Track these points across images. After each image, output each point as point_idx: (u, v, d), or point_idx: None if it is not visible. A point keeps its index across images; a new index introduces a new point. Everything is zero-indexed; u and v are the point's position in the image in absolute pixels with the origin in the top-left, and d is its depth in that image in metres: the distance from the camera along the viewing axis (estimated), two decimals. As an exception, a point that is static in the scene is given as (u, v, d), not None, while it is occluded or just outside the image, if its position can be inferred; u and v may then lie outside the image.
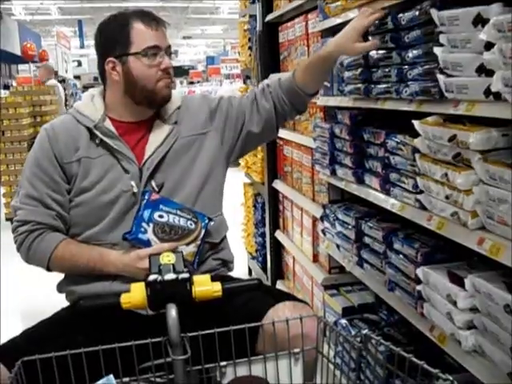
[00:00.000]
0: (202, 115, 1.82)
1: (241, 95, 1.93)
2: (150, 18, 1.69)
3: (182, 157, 1.73)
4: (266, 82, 1.92)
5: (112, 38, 1.70)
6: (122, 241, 1.63)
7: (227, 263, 1.81)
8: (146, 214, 1.63)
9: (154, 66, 1.67)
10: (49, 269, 1.70)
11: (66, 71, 12.71)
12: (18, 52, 13.13)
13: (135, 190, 1.66)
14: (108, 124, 1.72)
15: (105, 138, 1.68)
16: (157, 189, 1.67)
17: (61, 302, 1.70)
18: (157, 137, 1.73)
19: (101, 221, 1.67)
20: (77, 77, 16.75)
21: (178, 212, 1.65)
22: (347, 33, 1.79)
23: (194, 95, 1.95)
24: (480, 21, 1.33)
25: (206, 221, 1.67)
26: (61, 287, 1.73)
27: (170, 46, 1.72)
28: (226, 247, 1.82)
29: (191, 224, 1.64)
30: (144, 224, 1.62)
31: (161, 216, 1.63)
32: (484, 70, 1.34)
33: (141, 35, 1.67)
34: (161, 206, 1.64)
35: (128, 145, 1.70)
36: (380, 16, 1.79)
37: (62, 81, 11.79)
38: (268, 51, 3.47)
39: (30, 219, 1.68)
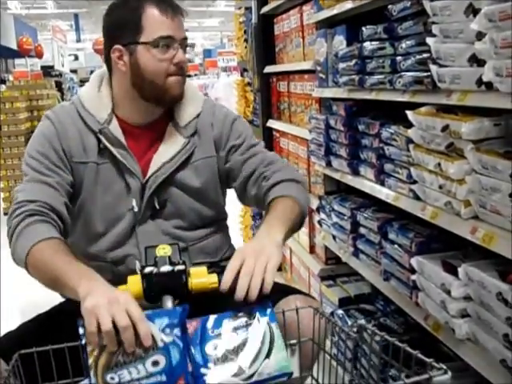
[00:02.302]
0: (216, 136, 1.61)
1: (246, 156, 1.62)
2: (166, 4, 1.49)
3: (188, 177, 1.58)
4: (268, 176, 1.58)
5: (121, 22, 1.51)
6: (125, 258, 1.55)
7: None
8: (198, 356, 1.14)
9: (165, 59, 1.48)
10: (27, 268, 1.37)
11: (63, 65, 12.67)
12: (14, 46, 13.06)
13: (136, 209, 1.54)
14: (114, 127, 1.55)
15: (109, 146, 1.53)
16: (158, 207, 1.55)
17: (59, 297, 1.71)
18: (168, 149, 1.55)
19: (102, 238, 1.57)
20: (73, 71, 16.71)
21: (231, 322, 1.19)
22: None
23: (217, 105, 1.68)
24: (472, 11, 1.33)
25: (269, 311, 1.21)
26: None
27: (186, 38, 1.52)
28: (228, 257, 1.66)
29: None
30: (203, 369, 1.13)
31: (215, 346, 1.16)
32: (476, 60, 1.35)
33: (153, 22, 1.47)
34: (208, 334, 1.17)
35: (134, 153, 1.54)
36: None
37: (59, 75, 11.78)
38: (263, 43, 3.47)
39: (34, 198, 1.43)
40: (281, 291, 1.54)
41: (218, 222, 1.68)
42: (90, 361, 1.10)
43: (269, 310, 1.20)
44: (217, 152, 1.62)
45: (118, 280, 1.49)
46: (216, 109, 1.66)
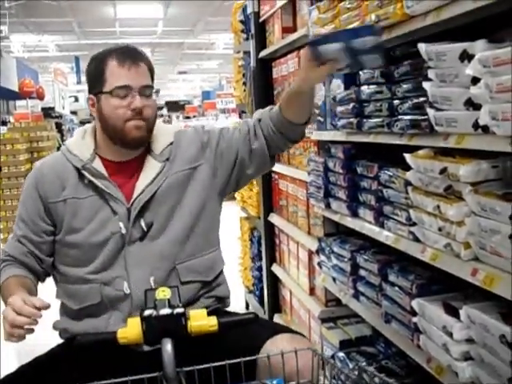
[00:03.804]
0: (193, 149, 1.75)
1: (233, 127, 1.84)
2: (125, 56, 1.64)
3: (171, 194, 1.68)
4: (256, 116, 1.81)
5: (92, 74, 1.68)
6: (113, 280, 1.62)
7: (223, 299, 1.76)
8: None
9: (122, 106, 1.62)
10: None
11: (63, 107, 12.83)
12: (15, 88, 13.24)
13: (123, 231, 1.62)
14: (97, 164, 1.68)
15: (92, 179, 1.65)
16: (145, 228, 1.64)
17: (56, 339, 1.69)
18: (147, 175, 1.68)
19: (91, 262, 1.64)
20: (74, 112, 16.90)
21: None
22: (303, 65, 1.63)
23: (187, 129, 1.87)
24: (466, 56, 1.37)
25: None
26: (56, 325, 1.72)
27: (147, 86, 1.65)
28: (221, 283, 1.77)
29: None
30: None
31: None
32: (472, 104, 1.37)
33: (112, 74, 1.63)
34: None
35: (117, 184, 1.66)
36: None
37: (59, 116, 11.90)
38: (262, 86, 3.52)
39: (4, 250, 1.74)
40: (269, 329, 1.55)
41: (208, 237, 1.75)
42: None
43: None
44: (202, 158, 1.74)
45: (106, 302, 1.63)
46: (186, 131, 1.83)
